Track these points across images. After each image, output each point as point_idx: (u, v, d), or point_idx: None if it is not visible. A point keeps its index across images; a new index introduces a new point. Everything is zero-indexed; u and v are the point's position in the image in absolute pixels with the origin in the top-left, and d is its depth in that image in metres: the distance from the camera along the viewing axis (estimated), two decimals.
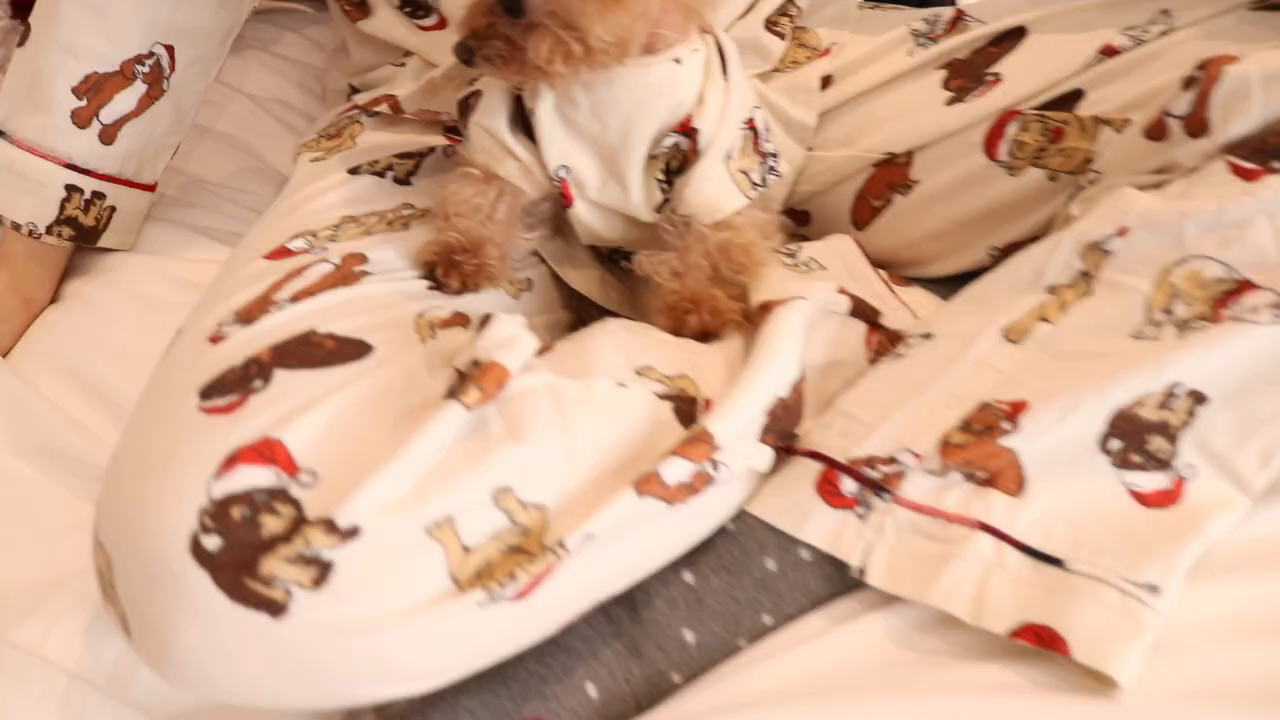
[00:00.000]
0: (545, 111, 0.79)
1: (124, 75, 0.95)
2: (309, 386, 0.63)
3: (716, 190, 0.81)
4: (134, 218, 1.00)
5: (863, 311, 0.83)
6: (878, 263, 0.95)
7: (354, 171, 0.89)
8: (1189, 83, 0.78)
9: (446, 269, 0.77)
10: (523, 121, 0.82)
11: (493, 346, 0.66)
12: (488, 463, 0.61)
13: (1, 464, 0.85)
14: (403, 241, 0.80)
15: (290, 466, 0.58)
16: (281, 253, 0.77)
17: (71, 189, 0.95)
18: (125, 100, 0.97)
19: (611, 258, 0.91)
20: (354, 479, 0.57)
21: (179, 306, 0.93)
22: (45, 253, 0.99)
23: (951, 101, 0.92)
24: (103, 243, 0.98)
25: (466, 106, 0.86)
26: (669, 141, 0.80)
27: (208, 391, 0.63)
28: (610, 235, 0.86)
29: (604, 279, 0.91)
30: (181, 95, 1.01)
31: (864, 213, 0.96)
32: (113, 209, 0.97)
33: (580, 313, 0.92)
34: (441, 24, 0.99)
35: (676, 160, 0.81)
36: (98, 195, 0.96)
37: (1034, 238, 0.89)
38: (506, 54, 0.72)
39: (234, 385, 0.63)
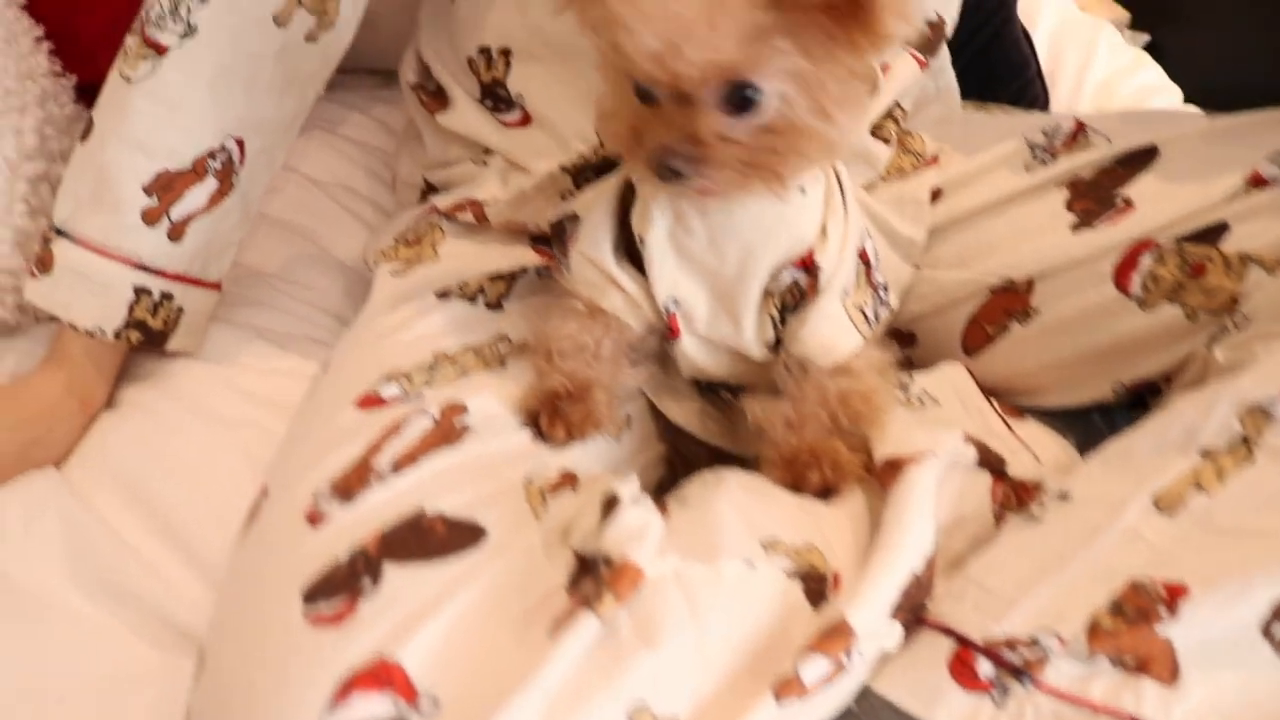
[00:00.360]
0: (657, 240, 0.74)
1: (196, 172, 0.89)
2: (422, 587, 0.57)
3: (834, 330, 0.76)
4: (201, 318, 0.94)
5: (989, 461, 0.77)
6: (989, 389, 0.90)
7: (442, 296, 0.83)
8: None
9: (551, 419, 0.72)
10: (628, 249, 0.76)
11: (624, 540, 0.60)
12: (621, 678, 0.55)
13: (59, 598, 0.79)
14: (502, 384, 0.75)
15: (409, 692, 0.53)
16: (374, 401, 0.72)
17: (140, 291, 0.88)
18: (196, 197, 0.90)
19: (710, 388, 0.85)
20: (480, 709, 0.51)
21: (242, 423, 0.89)
22: (103, 354, 0.92)
23: (1077, 226, 0.86)
24: (170, 346, 0.91)
25: (560, 229, 0.81)
26: (788, 277, 0.74)
27: (312, 594, 0.57)
28: (715, 370, 0.81)
29: (704, 411, 0.85)
30: (249, 188, 0.94)
31: (977, 338, 0.91)
32: (180, 310, 0.91)
33: (677, 444, 0.86)
34: (525, 120, 0.94)
35: (793, 297, 0.75)
36: (166, 296, 0.90)
37: (1165, 377, 0.83)
38: (743, 163, 0.64)
39: (340, 585, 0.57)
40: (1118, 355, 0.85)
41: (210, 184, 0.90)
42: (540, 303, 0.83)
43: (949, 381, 0.87)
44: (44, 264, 0.87)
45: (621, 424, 0.79)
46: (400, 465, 0.66)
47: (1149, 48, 2.03)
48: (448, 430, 0.69)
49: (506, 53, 0.93)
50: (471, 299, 0.84)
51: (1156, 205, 0.84)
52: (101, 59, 1.03)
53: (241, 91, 0.89)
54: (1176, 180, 0.84)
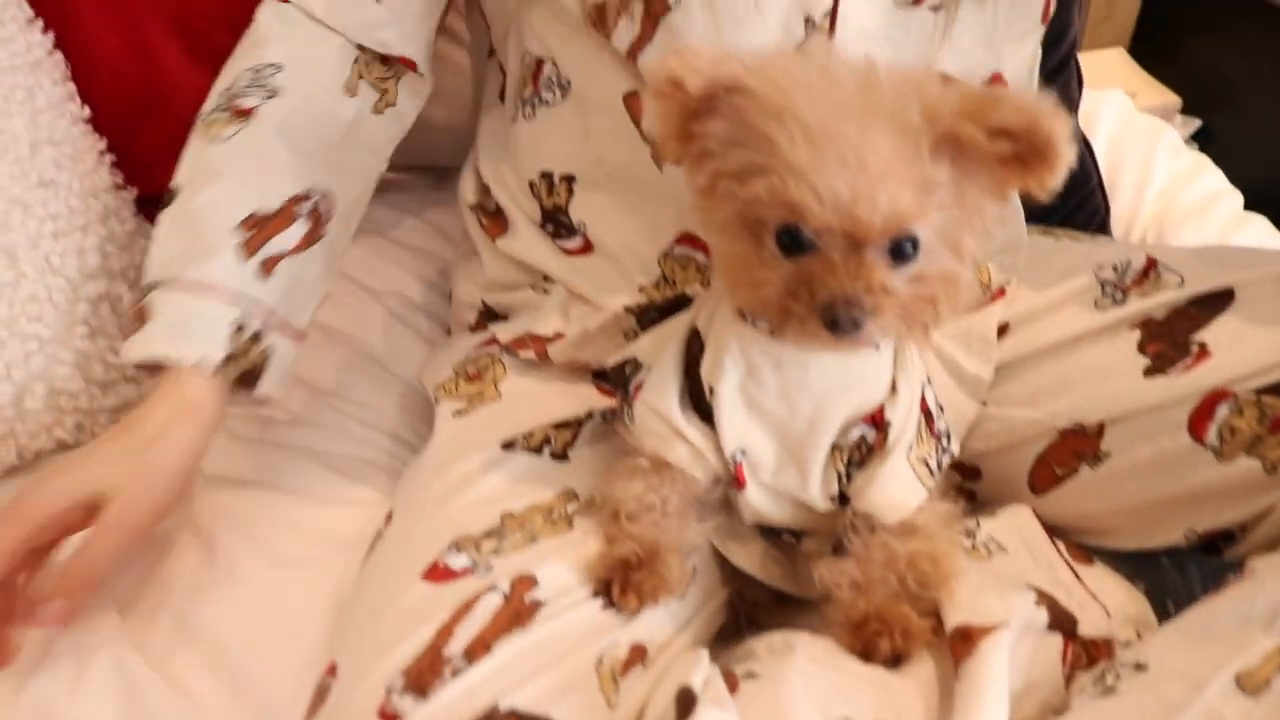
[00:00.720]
0: (728, 391, 0.73)
1: (285, 216, 0.89)
2: None
3: (900, 487, 0.75)
4: (287, 364, 0.91)
5: (1060, 622, 0.76)
6: (1055, 528, 0.88)
7: (508, 447, 0.82)
8: None
9: (623, 588, 0.71)
10: (693, 397, 0.75)
11: None
12: None
13: None
14: (570, 548, 0.74)
15: None
16: (442, 573, 0.71)
17: (236, 327, 0.86)
18: (286, 239, 0.89)
19: (773, 531, 0.84)
20: None
21: (304, 562, 0.89)
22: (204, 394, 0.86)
23: (1150, 371, 0.84)
24: (260, 389, 0.88)
25: (622, 373, 0.80)
26: (856, 433, 0.73)
27: None
28: (779, 518, 0.79)
29: (766, 554, 0.84)
30: (335, 239, 0.94)
31: (1045, 479, 0.89)
32: (269, 352, 0.89)
33: (741, 588, 0.85)
34: (586, 248, 0.93)
35: (860, 452, 0.74)
36: (256, 336, 0.88)
37: (1242, 527, 0.81)
38: (904, 312, 0.64)
39: None
40: (1192, 504, 0.83)
41: (300, 228, 0.90)
42: (607, 450, 0.82)
43: (1016, 529, 0.85)
44: (140, 317, 0.85)
45: (688, 578, 0.77)
46: (473, 653, 0.65)
47: (1199, 133, 2.02)
48: (518, 609, 0.69)
49: (569, 179, 0.93)
50: (537, 450, 0.83)
51: (1233, 353, 0.82)
52: (159, 172, 1.04)
53: (322, 148, 0.92)
54: (1254, 327, 0.82)
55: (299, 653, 0.76)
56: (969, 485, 0.94)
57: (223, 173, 0.88)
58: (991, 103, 0.60)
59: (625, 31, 0.82)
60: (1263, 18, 1.88)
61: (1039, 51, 0.96)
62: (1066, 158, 0.60)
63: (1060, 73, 1.25)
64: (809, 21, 0.80)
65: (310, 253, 0.91)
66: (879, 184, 0.60)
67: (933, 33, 0.82)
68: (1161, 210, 1.32)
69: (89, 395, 0.97)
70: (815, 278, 0.62)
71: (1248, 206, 1.41)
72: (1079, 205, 1.27)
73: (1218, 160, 2.00)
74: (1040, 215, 1.19)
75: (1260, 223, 1.35)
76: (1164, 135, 1.43)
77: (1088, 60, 2.12)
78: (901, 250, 0.62)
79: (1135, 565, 0.88)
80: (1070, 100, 1.29)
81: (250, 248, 0.87)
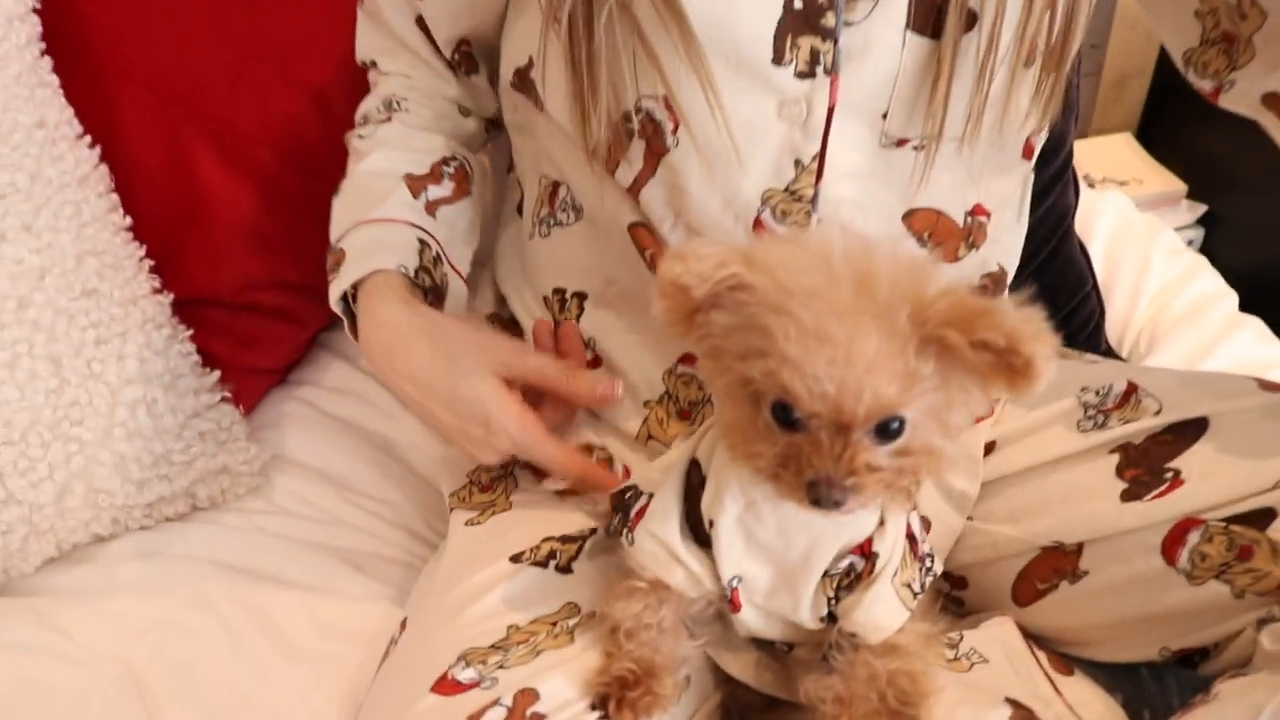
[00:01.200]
0: (727, 524, 0.78)
1: (434, 175, 1.01)
2: None
3: (885, 610, 0.79)
4: (460, 304, 1.01)
5: None
6: (1037, 639, 0.92)
7: (515, 560, 0.87)
8: None
9: (619, 705, 0.75)
10: (691, 525, 0.80)
11: None
12: None
13: None
14: (571, 662, 0.79)
15: None
16: (451, 686, 0.76)
17: (422, 243, 0.97)
18: (441, 189, 1.01)
19: (767, 641, 0.88)
20: None
21: (324, 658, 0.95)
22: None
23: (1127, 496, 0.89)
24: (445, 308, 0.98)
25: (622, 501, 0.85)
26: (846, 563, 0.78)
27: None
28: (769, 633, 0.84)
29: (759, 662, 0.88)
30: (476, 202, 1.06)
31: (1027, 593, 0.93)
32: (448, 278, 0.99)
33: (733, 693, 0.89)
34: (596, 363, 0.99)
35: (848, 578, 0.79)
36: (436, 260, 0.98)
37: (1215, 645, 0.85)
38: (886, 482, 0.67)
39: None
40: (1165, 623, 0.87)
41: (449, 183, 1.02)
42: (607, 564, 0.87)
43: (998, 641, 0.90)
44: (336, 263, 0.95)
45: (680, 691, 0.82)
46: None
47: (1205, 217, 2.06)
48: None
49: (581, 296, 0.98)
50: (543, 564, 0.88)
51: (1205, 483, 0.86)
52: (197, 276, 1.11)
53: (452, 132, 1.06)
54: (1226, 457, 0.87)
55: None
56: (957, 594, 0.98)
57: (375, 149, 1.01)
58: (978, 315, 0.63)
59: (627, 170, 0.88)
60: None
61: (1028, 177, 1.02)
62: (1045, 377, 0.64)
63: (1057, 182, 1.31)
64: (798, 164, 0.85)
65: (461, 204, 1.03)
66: (864, 378, 0.64)
67: (914, 171, 0.87)
68: (1156, 313, 1.37)
69: (125, 493, 1.04)
70: (804, 455, 0.66)
71: (1252, 290, 1.45)
72: (1075, 309, 1.32)
73: (1223, 244, 2.05)
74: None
75: (1254, 325, 1.39)
76: (1161, 237, 1.48)
77: (1095, 145, 2.19)
78: (887, 429, 0.66)
79: (1115, 676, 0.92)
80: (1068, 206, 1.34)
81: (414, 191, 0.99)
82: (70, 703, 0.92)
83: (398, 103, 1.03)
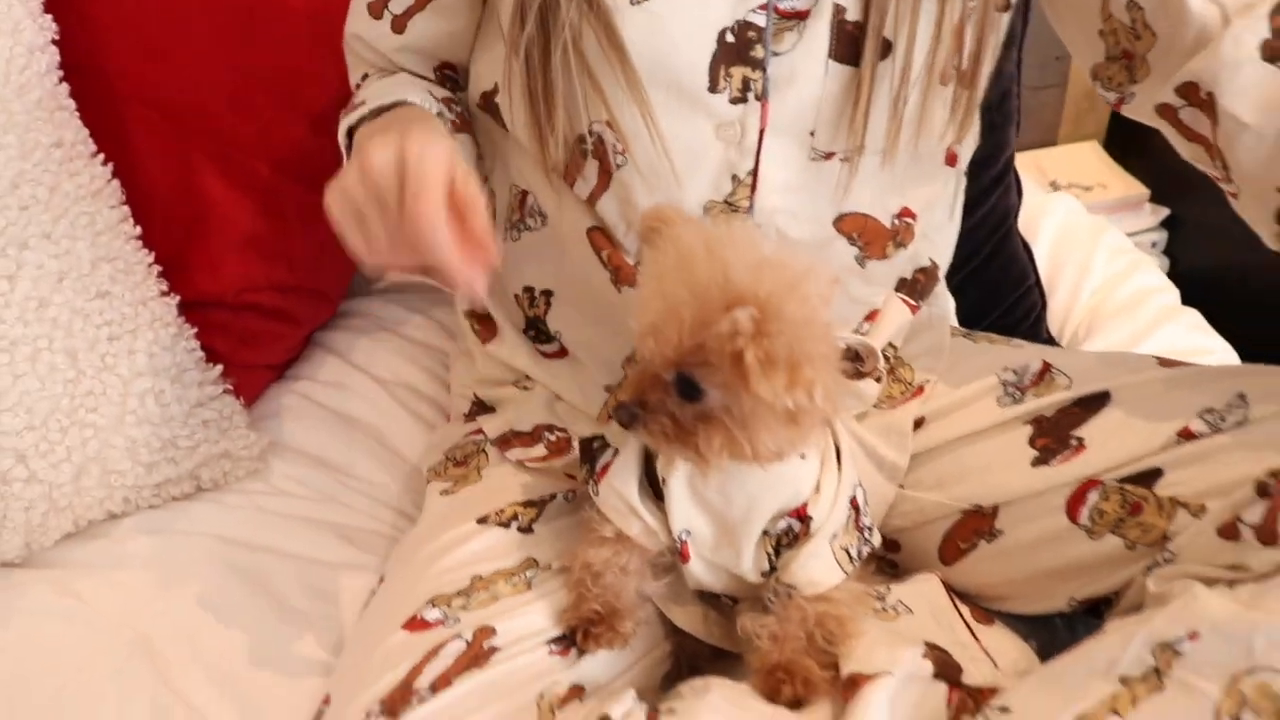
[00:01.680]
0: (677, 484, 0.88)
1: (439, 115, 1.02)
2: None
3: (821, 567, 0.89)
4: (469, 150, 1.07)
5: (944, 673, 0.89)
6: (963, 595, 1.01)
7: (482, 521, 0.97)
8: (1262, 489, 0.83)
9: (585, 637, 0.87)
10: (650, 483, 0.90)
11: None
12: None
13: None
14: (525, 607, 0.89)
15: None
16: (418, 624, 0.86)
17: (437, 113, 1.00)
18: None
19: (713, 595, 0.98)
20: None
21: (313, 616, 1.04)
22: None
23: (1037, 462, 0.98)
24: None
25: (590, 450, 0.95)
26: (783, 524, 0.88)
27: None
28: (717, 586, 0.94)
29: (707, 616, 0.98)
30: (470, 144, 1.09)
31: (951, 552, 1.02)
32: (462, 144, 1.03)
33: (682, 643, 0.99)
34: (562, 353, 1.08)
35: (787, 538, 0.89)
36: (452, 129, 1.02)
37: (1115, 594, 0.94)
38: (671, 432, 0.78)
39: None
40: (1070, 575, 0.96)
41: (450, 120, 1.04)
42: (564, 526, 0.97)
43: (923, 595, 0.99)
44: (352, 107, 0.99)
45: (640, 627, 0.92)
46: (437, 687, 0.80)
47: (1169, 220, 2.16)
48: (478, 653, 0.84)
49: (548, 294, 1.08)
50: (506, 525, 0.98)
51: (1104, 448, 0.95)
52: (200, 279, 1.21)
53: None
54: (1123, 425, 0.96)
55: (304, 688, 0.91)
56: (891, 556, 1.08)
57: (384, 81, 1.05)
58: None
59: (584, 184, 0.98)
60: None
61: (958, 181, 1.11)
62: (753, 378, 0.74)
63: (998, 185, 1.41)
64: (735, 178, 0.95)
65: (462, 137, 1.05)
66: (663, 327, 0.76)
67: (839, 182, 0.97)
68: (1096, 306, 1.46)
69: (135, 473, 1.14)
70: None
71: (1212, 287, 1.54)
72: (1017, 301, 1.42)
73: (1185, 246, 2.14)
74: (981, 310, 1.34)
75: (1190, 316, 1.48)
76: (1105, 236, 1.57)
77: (1063, 153, 2.28)
78: (686, 388, 0.77)
79: (1031, 626, 1.01)
80: (1010, 207, 1.43)
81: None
82: (85, 661, 1.02)
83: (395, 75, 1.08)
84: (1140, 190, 2.15)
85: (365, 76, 1.10)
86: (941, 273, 1.15)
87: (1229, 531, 0.84)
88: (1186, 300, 1.56)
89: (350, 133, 0.97)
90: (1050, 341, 1.43)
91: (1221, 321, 1.49)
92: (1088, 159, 2.25)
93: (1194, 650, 0.79)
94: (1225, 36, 0.86)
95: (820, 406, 0.75)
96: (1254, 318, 1.51)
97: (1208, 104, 0.88)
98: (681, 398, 0.78)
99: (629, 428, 0.80)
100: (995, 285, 1.40)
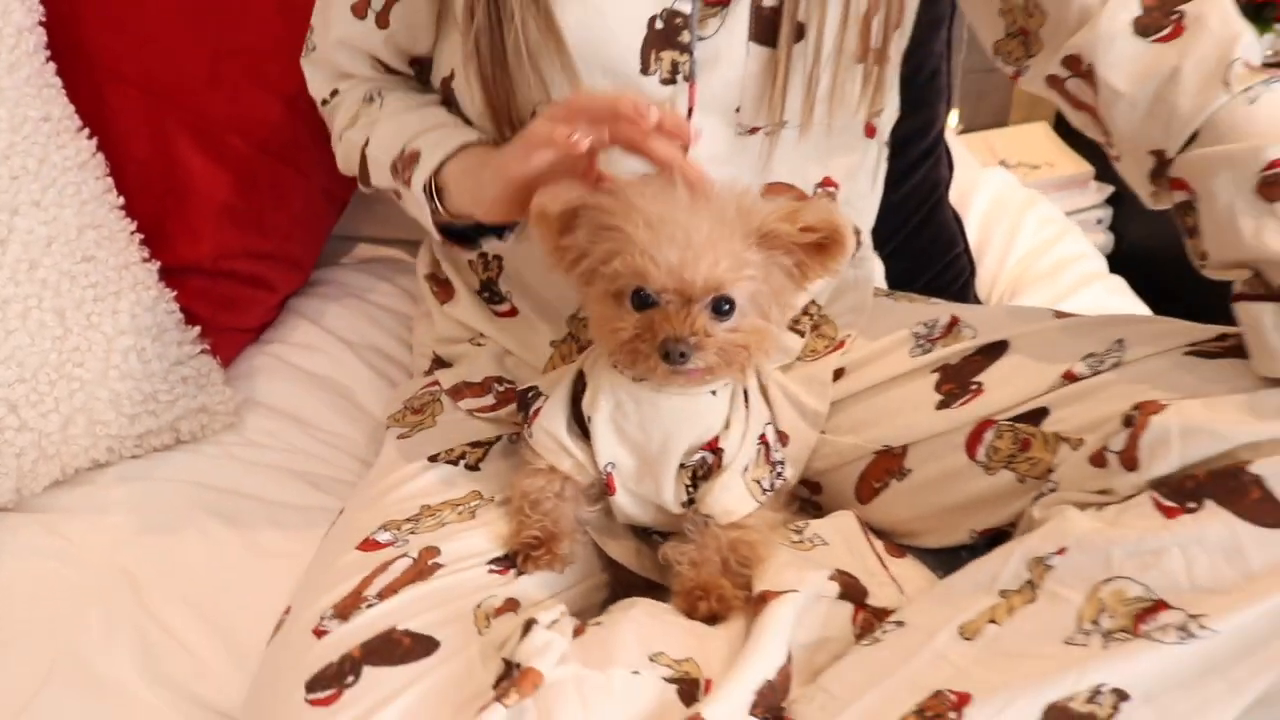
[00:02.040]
0: (601, 420, 0.98)
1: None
2: (388, 682, 0.82)
3: (733, 497, 0.99)
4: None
5: (850, 594, 0.98)
6: (879, 531, 1.11)
7: (433, 459, 1.07)
8: (1127, 420, 0.93)
9: (525, 560, 0.96)
10: (578, 423, 1.00)
11: (531, 653, 0.83)
12: None
13: (128, 687, 1.04)
14: (468, 532, 0.99)
15: None
16: (370, 545, 0.96)
17: None
18: None
19: (645, 531, 1.07)
20: None
21: (281, 554, 1.14)
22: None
23: (941, 405, 1.07)
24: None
25: (525, 399, 1.04)
26: (697, 457, 0.98)
27: (312, 685, 0.83)
28: (643, 518, 1.03)
29: (639, 550, 1.07)
30: None
31: (866, 492, 1.12)
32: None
33: (617, 574, 1.08)
34: (512, 312, 1.18)
35: (703, 470, 0.98)
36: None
37: (1011, 524, 1.04)
38: (718, 357, 0.89)
39: (332, 680, 0.82)
40: (970, 509, 1.05)
41: None
42: (508, 465, 1.07)
43: (838, 528, 1.08)
44: (412, 157, 1.07)
45: (577, 548, 1.02)
46: (384, 595, 0.90)
47: (1114, 198, 2.25)
48: (423, 568, 0.93)
49: (499, 259, 1.17)
50: (455, 462, 1.08)
51: (999, 391, 1.05)
52: (179, 246, 1.31)
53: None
54: (1017, 371, 1.05)
55: (269, 614, 1.00)
56: (814, 498, 1.17)
57: (385, 119, 1.14)
58: (800, 209, 0.89)
59: None
60: None
61: (880, 152, 1.21)
62: (849, 244, 0.88)
63: (927, 158, 1.50)
64: None
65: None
66: (701, 255, 0.85)
67: (761, 154, 1.07)
68: (1020, 273, 1.56)
69: (119, 424, 1.23)
70: (656, 324, 0.88)
71: (1155, 261, 1.63)
72: (946, 266, 1.52)
73: (1129, 221, 2.23)
74: (911, 274, 1.44)
75: (1113, 282, 1.58)
76: (1036, 208, 1.67)
77: (1013, 133, 2.38)
78: (720, 307, 0.88)
79: (940, 559, 1.10)
80: (940, 179, 1.53)
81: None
82: (75, 596, 1.12)
83: (377, 93, 1.16)
84: (1086, 169, 2.25)
85: (334, 93, 1.20)
86: (865, 238, 1.24)
87: (1098, 460, 0.94)
88: (1130, 272, 1.66)
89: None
90: (978, 304, 1.53)
91: (1164, 290, 1.58)
92: (1037, 139, 2.34)
93: (1061, 563, 0.88)
94: (1103, 13, 0.96)
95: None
96: (1193, 287, 1.60)
97: (1089, 75, 0.98)
98: (716, 315, 0.88)
99: (681, 363, 0.88)
100: (924, 252, 1.50)
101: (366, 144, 1.14)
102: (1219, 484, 0.84)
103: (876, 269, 1.35)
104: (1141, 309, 1.52)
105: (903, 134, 1.35)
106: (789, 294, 0.94)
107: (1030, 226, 1.63)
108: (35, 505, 1.22)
